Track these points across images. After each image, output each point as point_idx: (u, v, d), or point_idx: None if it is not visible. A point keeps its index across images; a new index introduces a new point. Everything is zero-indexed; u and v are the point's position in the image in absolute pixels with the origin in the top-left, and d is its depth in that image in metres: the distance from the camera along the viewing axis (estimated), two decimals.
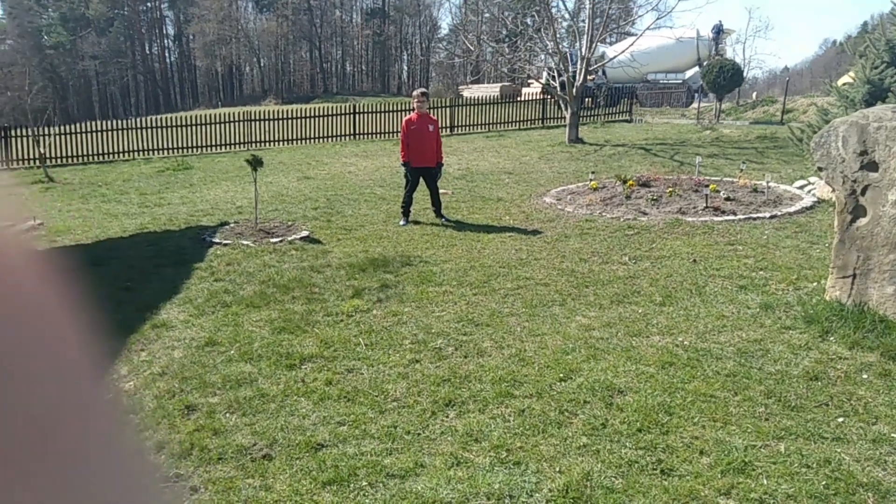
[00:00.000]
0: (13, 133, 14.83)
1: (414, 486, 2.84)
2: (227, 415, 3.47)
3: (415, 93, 8.10)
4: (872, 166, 4.37)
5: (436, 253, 6.48)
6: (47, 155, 14.06)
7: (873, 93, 9.37)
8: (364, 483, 2.88)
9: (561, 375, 3.78)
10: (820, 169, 4.98)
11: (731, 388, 3.56)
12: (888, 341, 3.88)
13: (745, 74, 23.28)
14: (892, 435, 3.04)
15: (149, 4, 65.48)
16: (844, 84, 11.84)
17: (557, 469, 2.91)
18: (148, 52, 65.80)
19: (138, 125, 16.43)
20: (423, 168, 7.72)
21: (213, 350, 4.27)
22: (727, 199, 7.71)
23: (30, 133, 14.49)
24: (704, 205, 7.49)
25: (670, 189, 8.15)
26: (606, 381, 3.68)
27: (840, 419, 3.21)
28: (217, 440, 3.23)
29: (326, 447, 3.13)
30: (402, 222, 7.72)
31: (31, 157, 14.22)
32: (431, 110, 18.79)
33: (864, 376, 3.61)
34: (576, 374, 3.79)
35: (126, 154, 15.54)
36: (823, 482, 2.74)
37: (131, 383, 3.88)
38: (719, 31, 26.58)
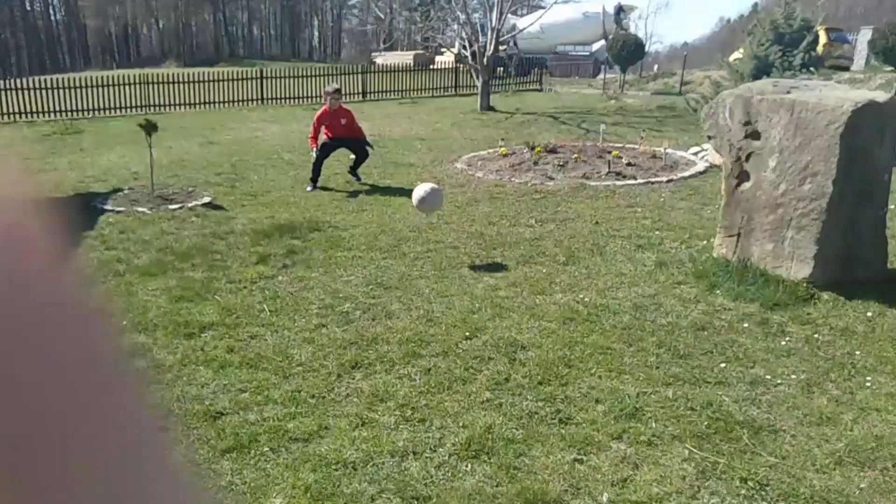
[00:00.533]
0: None
1: (317, 448, 2.81)
2: None
3: (327, 88, 7.95)
4: (755, 135, 4.65)
5: (345, 218, 6.38)
6: None
7: (759, 68, 9.96)
8: (266, 448, 2.82)
9: (467, 334, 3.83)
10: (710, 137, 5.25)
11: (626, 340, 3.74)
12: (767, 293, 4.18)
13: (646, 49, 24.14)
14: (767, 377, 3.30)
15: None
16: (735, 59, 12.52)
17: (461, 424, 2.96)
18: (28, 8, 60.15)
19: (20, 85, 15.03)
20: (342, 139, 7.69)
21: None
22: (628, 164, 8.01)
23: None
24: (607, 170, 7.75)
25: (576, 155, 8.37)
26: (510, 338, 3.77)
27: (722, 364, 3.44)
28: None
29: (226, 415, 3.04)
30: (309, 188, 7.54)
31: None
32: (344, 76, 18.33)
33: (745, 325, 3.88)
34: (481, 332, 3.85)
35: (6, 116, 14.23)
36: (705, 423, 2.94)
37: None
38: (619, 12, 27.43)
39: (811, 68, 10.95)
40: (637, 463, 2.68)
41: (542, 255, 5.23)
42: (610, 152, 8.33)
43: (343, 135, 7.68)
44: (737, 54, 14.89)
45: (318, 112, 7.77)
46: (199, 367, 3.49)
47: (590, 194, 6.97)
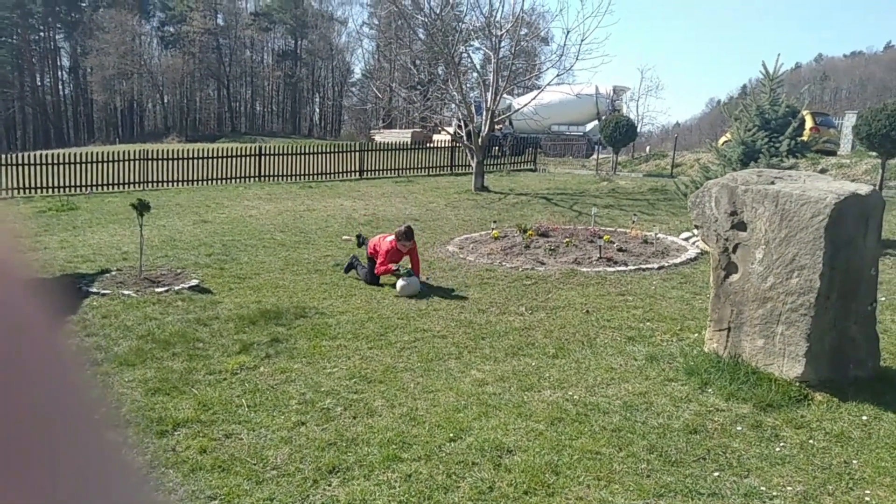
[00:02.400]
0: None
1: None
2: None
3: (399, 229, 6.98)
4: (742, 226, 4.67)
5: (333, 303, 6.31)
6: None
7: (747, 153, 10.16)
8: None
9: (451, 435, 3.69)
10: (697, 227, 5.28)
11: (616, 443, 3.60)
12: (760, 392, 4.08)
13: (638, 129, 24.82)
14: (762, 488, 3.15)
15: (42, 34, 62.08)
16: (724, 143, 12.84)
17: None
18: (39, 83, 62.02)
19: (18, 161, 15.24)
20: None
21: None
22: (620, 249, 8.04)
23: None
24: (598, 255, 7.76)
25: (567, 239, 8.41)
26: (496, 440, 3.62)
27: (716, 473, 3.30)
28: None
29: None
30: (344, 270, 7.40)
31: None
32: (342, 154, 18.64)
33: (739, 428, 3.75)
34: (466, 434, 3.71)
35: (4, 192, 14.35)
36: None
37: None
38: (612, 103, 28.26)
39: (798, 154, 11.20)
40: None
41: (531, 346, 5.14)
42: (601, 237, 8.38)
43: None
44: (725, 137, 15.29)
45: (387, 247, 6.96)
46: (168, 470, 3.33)
47: (581, 281, 6.94)
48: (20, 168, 14.88)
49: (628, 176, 18.98)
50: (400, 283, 6.66)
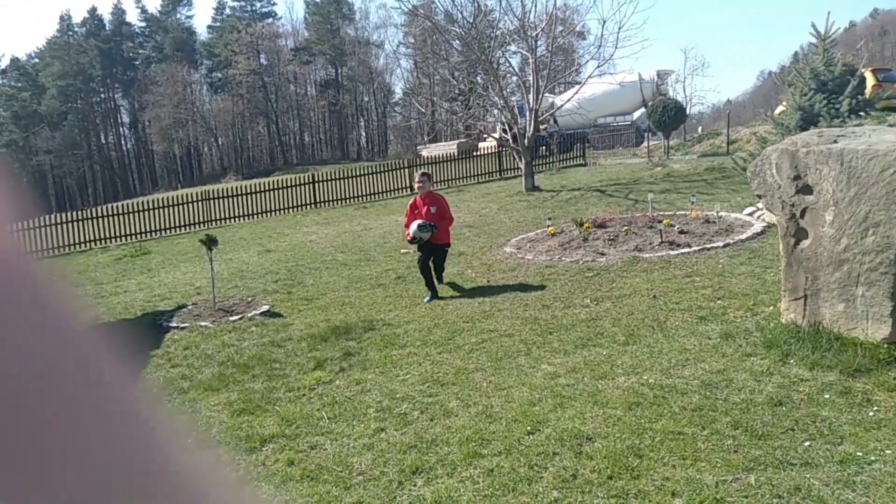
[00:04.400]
0: None
1: None
2: None
3: (416, 175, 7.71)
4: (807, 189, 4.51)
5: (399, 314, 6.42)
6: None
7: (806, 118, 9.78)
8: None
9: (529, 428, 3.70)
10: (759, 196, 5.12)
11: (698, 422, 3.53)
12: (845, 358, 3.91)
13: (688, 111, 24.20)
14: (858, 454, 3.03)
15: (102, 95, 65.87)
16: (780, 112, 12.36)
17: None
18: (104, 141, 65.78)
19: (93, 214, 16.22)
20: (431, 245, 7.14)
21: None
22: (681, 232, 7.86)
23: None
24: (660, 240, 7.61)
25: (626, 228, 8.28)
26: (575, 430, 3.61)
27: (807, 443, 3.18)
28: None
29: None
30: (427, 299, 6.78)
31: None
32: (391, 172, 18.97)
33: (826, 396, 3.61)
34: (543, 426, 3.72)
35: (82, 245, 15.28)
36: None
37: None
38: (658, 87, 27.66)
39: (861, 113, 10.68)
40: None
41: (600, 336, 5.09)
42: (661, 221, 8.21)
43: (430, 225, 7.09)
44: (781, 107, 14.70)
45: (410, 202, 7.43)
46: (260, 483, 3.47)
47: (644, 267, 6.82)
48: (95, 221, 15.83)
49: (682, 159, 18.51)
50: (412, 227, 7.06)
